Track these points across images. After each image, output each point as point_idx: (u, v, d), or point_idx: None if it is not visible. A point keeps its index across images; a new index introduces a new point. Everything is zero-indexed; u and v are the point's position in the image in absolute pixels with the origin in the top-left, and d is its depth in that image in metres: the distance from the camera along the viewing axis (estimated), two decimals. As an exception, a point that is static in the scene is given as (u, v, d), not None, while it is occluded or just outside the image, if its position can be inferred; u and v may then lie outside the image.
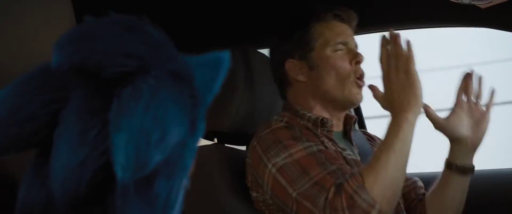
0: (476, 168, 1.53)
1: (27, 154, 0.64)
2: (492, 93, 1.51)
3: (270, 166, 1.40)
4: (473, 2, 1.43)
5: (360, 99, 1.55)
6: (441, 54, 5.30)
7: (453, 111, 1.48)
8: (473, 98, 1.50)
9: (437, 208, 1.54)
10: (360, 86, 1.53)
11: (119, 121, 0.57)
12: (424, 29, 1.91)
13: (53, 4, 1.31)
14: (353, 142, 1.59)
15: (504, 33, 1.65)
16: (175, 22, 1.84)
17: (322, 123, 1.52)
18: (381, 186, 1.27)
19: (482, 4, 1.44)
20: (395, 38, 1.35)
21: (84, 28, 0.63)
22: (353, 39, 1.58)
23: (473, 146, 1.49)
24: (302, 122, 1.52)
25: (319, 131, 1.51)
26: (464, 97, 1.50)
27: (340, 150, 1.49)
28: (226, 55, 0.67)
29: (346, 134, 1.60)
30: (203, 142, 1.73)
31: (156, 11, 1.86)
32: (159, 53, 0.63)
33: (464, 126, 1.48)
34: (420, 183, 1.66)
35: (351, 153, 1.52)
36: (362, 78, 1.54)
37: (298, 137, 1.42)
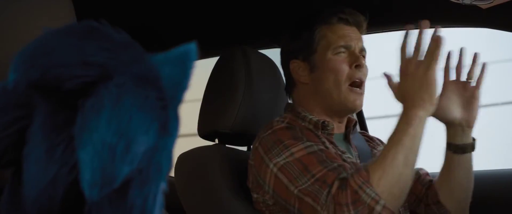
0: (476, 169, 1.53)
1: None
2: (483, 68, 1.47)
3: (271, 165, 1.41)
4: (474, 3, 1.42)
5: (358, 106, 1.53)
6: (441, 54, 5.30)
7: (442, 93, 1.45)
8: (461, 77, 1.48)
9: (447, 190, 1.52)
10: (355, 93, 1.52)
11: (82, 136, 0.55)
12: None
13: (54, 3, 1.31)
14: (353, 145, 1.59)
15: (504, 33, 1.66)
16: (175, 22, 1.84)
17: (323, 125, 1.52)
18: (387, 183, 1.26)
19: (483, 5, 1.44)
20: (434, 36, 1.30)
21: (39, 42, 0.60)
22: (360, 42, 1.57)
23: (469, 125, 1.47)
24: (303, 124, 1.52)
25: (320, 133, 1.51)
26: (452, 77, 1.48)
27: (340, 153, 1.49)
28: (192, 48, 0.62)
29: (346, 136, 1.60)
30: (205, 143, 1.73)
31: (156, 11, 1.86)
32: (121, 57, 0.60)
33: (455, 108, 1.46)
34: (423, 170, 1.64)
35: (350, 156, 1.52)
36: (360, 84, 1.52)
37: (299, 137, 1.42)
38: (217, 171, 1.59)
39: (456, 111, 1.46)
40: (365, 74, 1.55)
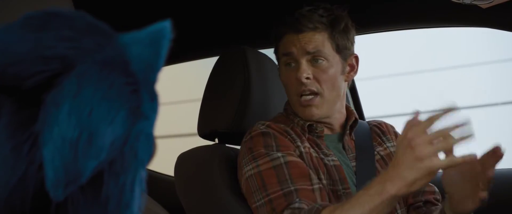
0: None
1: None
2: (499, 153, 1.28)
3: (242, 173, 1.47)
4: (474, 2, 1.42)
5: (308, 116, 1.50)
6: (441, 54, 5.30)
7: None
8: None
9: None
10: (302, 105, 1.50)
11: (44, 132, 0.53)
12: (424, 30, 1.92)
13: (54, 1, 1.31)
14: (347, 146, 1.56)
15: (504, 33, 1.66)
16: (175, 21, 1.84)
17: (310, 128, 1.53)
18: None
19: (483, 4, 1.44)
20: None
21: None
22: (308, 45, 1.49)
23: (468, 198, 1.31)
24: (292, 124, 1.54)
25: (307, 135, 1.52)
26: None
27: (322, 156, 1.49)
28: (166, 25, 0.58)
29: (342, 137, 1.58)
30: (204, 142, 1.73)
31: (155, 10, 1.86)
32: (83, 44, 0.56)
33: (455, 182, 1.31)
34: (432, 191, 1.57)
35: (335, 158, 1.50)
36: (306, 95, 1.49)
37: (270, 146, 1.44)
38: (216, 170, 1.59)
39: (456, 185, 1.32)
40: (313, 83, 1.49)
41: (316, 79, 1.49)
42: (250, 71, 1.66)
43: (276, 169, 1.40)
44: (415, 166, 1.15)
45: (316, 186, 1.40)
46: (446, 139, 1.16)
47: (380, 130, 1.65)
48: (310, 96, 1.49)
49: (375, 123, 1.68)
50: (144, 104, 0.57)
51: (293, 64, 1.52)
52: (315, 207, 1.31)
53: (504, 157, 1.29)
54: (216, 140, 1.74)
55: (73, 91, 0.53)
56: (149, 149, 0.58)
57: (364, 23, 1.83)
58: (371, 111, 2.26)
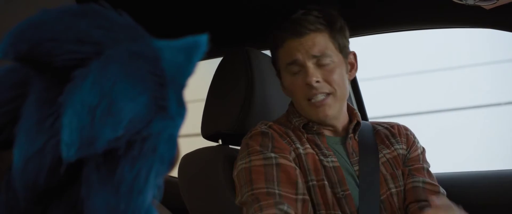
0: (476, 169, 1.52)
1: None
2: None
3: (235, 166, 1.48)
4: (477, 3, 1.42)
5: (322, 117, 1.51)
6: (441, 54, 5.30)
7: None
8: None
9: None
10: (315, 106, 1.50)
11: (66, 100, 0.55)
12: (425, 31, 1.92)
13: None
14: (350, 150, 1.55)
15: (504, 34, 1.66)
16: (178, 22, 1.84)
17: (306, 127, 1.53)
18: None
19: (487, 5, 1.44)
20: None
21: (32, 18, 0.60)
22: (311, 49, 1.50)
23: None
24: (291, 126, 1.55)
25: (305, 136, 1.52)
26: None
27: (321, 158, 1.49)
28: (203, 39, 0.62)
29: (345, 140, 1.57)
30: (208, 143, 1.74)
31: (158, 11, 1.86)
32: (118, 36, 0.59)
33: None
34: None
35: (334, 159, 1.50)
36: (317, 97, 1.49)
37: (266, 146, 1.45)
38: (220, 171, 1.60)
39: None
40: (324, 85, 1.49)
41: (326, 81, 1.49)
42: (254, 72, 1.66)
43: (266, 168, 1.41)
44: None
45: (300, 197, 1.40)
46: None
47: (390, 132, 1.63)
48: (323, 96, 1.49)
49: (386, 125, 1.67)
50: (171, 105, 0.59)
51: (299, 70, 1.51)
52: None
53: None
54: (220, 141, 1.74)
55: (100, 67, 0.56)
56: (171, 150, 0.59)
57: (366, 23, 1.84)
58: (373, 111, 2.26)
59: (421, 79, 5.44)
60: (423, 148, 1.62)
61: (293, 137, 1.50)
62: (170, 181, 2.31)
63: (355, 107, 2.00)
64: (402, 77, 5.50)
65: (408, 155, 1.58)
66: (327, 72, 1.50)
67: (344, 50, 1.54)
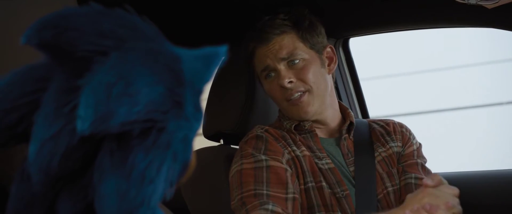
0: (476, 169, 1.52)
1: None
2: None
3: (231, 170, 1.48)
4: (479, 3, 1.42)
5: (303, 114, 1.51)
6: (441, 54, 5.31)
7: None
8: None
9: None
10: (294, 105, 1.51)
11: (85, 82, 0.56)
12: (426, 30, 1.92)
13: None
14: (345, 151, 1.55)
15: (504, 33, 1.65)
16: (178, 22, 1.84)
17: (298, 128, 1.54)
18: None
19: (489, 4, 1.43)
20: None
21: (58, 11, 0.62)
22: (279, 53, 1.51)
23: None
24: (285, 129, 1.55)
25: (298, 137, 1.53)
26: None
27: (316, 161, 1.49)
28: (222, 49, 0.64)
29: (339, 141, 1.57)
30: (209, 143, 1.74)
31: (157, 11, 1.86)
32: (138, 33, 0.62)
33: None
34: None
35: (329, 161, 1.50)
36: (293, 96, 1.50)
37: (259, 149, 1.46)
38: (221, 171, 1.60)
39: None
40: (298, 84, 1.50)
41: (300, 80, 1.50)
42: (255, 72, 1.66)
43: (256, 170, 1.42)
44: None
45: (290, 195, 1.40)
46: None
47: (385, 130, 1.62)
48: (299, 94, 1.50)
49: (381, 123, 1.65)
50: (187, 106, 0.60)
51: (272, 74, 1.53)
52: None
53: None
54: (221, 141, 1.74)
55: (119, 55, 0.58)
56: (185, 150, 0.61)
57: (366, 23, 1.84)
58: (374, 111, 2.27)
59: (421, 79, 5.44)
60: (420, 144, 1.61)
61: (289, 140, 1.51)
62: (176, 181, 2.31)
63: (356, 106, 2.00)
64: (402, 77, 5.50)
65: (402, 152, 1.57)
66: (300, 71, 1.51)
67: (316, 46, 1.55)
